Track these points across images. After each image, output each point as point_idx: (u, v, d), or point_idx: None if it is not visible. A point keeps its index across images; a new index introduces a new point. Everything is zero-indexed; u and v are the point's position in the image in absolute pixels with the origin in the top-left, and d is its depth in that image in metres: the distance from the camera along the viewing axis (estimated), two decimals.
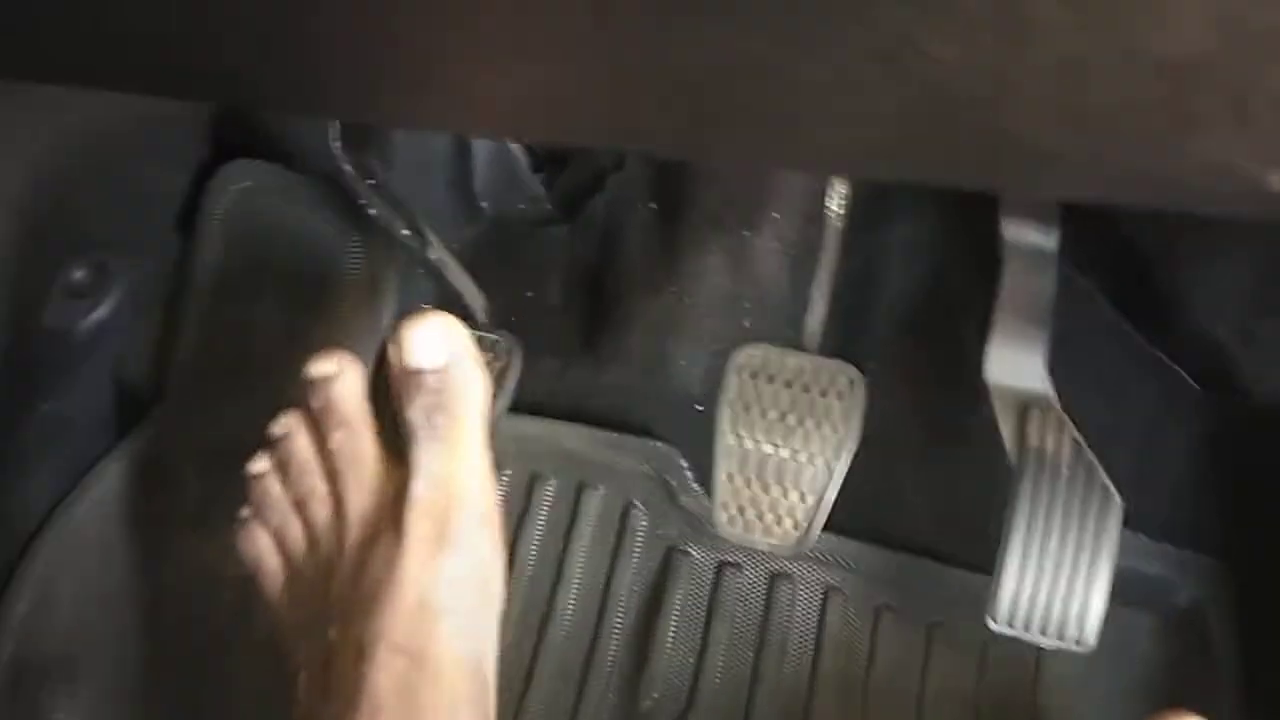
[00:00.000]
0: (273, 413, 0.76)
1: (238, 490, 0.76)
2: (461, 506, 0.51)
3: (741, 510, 0.63)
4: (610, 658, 0.71)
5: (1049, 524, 0.61)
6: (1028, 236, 0.69)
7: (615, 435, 0.77)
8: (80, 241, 0.67)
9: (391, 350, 0.53)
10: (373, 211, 0.64)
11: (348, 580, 0.50)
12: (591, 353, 0.83)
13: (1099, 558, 0.60)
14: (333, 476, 0.54)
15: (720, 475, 0.64)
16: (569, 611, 0.73)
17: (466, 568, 0.51)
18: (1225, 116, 0.29)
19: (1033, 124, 0.32)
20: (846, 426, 0.63)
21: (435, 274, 0.70)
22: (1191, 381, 0.74)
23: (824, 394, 0.64)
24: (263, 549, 0.56)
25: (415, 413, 0.52)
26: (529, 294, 0.86)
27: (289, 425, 0.56)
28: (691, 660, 0.71)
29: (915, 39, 0.29)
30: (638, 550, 0.75)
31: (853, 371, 0.64)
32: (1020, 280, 0.68)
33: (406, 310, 0.81)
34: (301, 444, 0.55)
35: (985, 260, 0.69)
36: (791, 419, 0.64)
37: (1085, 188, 0.39)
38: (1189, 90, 0.29)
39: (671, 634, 0.71)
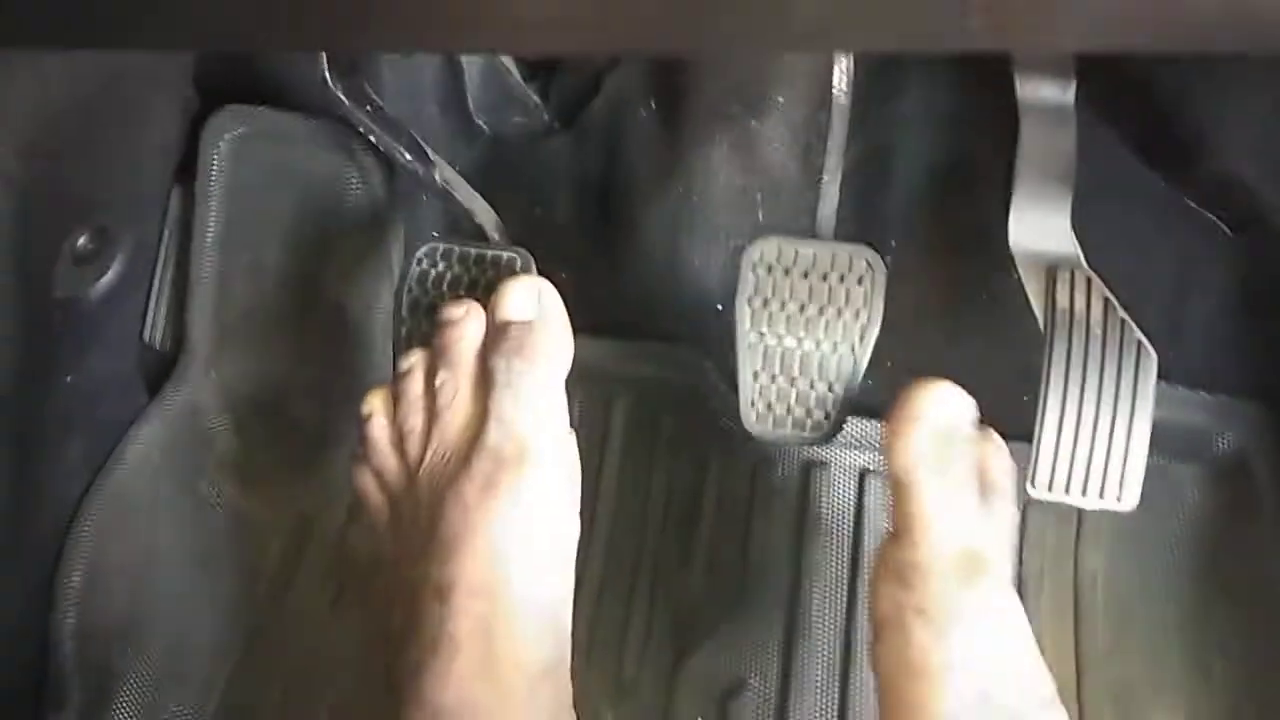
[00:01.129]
0: (295, 356, 0.77)
1: (273, 436, 0.77)
2: (531, 453, 0.52)
3: (770, 407, 0.63)
4: (653, 562, 0.72)
5: (1084, 385, 0.60)
6: (1044, 92, 0.66)
7: (637, 345, 0.77)
8: (79, 209, 0.66)
9: (489, 308, 0.56)
10: (373, 139, 0.63)
11: (430, 521, 0.51)
12: (606, 263, 0.82)
13: (1137, 415, 0.59)
14: (431, 415, 0.55)
15: (745, 374, 0.63)
16: (609, 524, 0.74)
17: (536, 512, 0.51)
18: None
19: None
20: (869, 310, 0.62)
21: (443, 196, 0.68)
22: (1221, 226, 0.72)
23: (843, 280, 0.62)
24: (368, 486, 0.57)
25: (496, 359, 0.54)
26: (537, 210, 0.84)
27: (412, 363, 0.57)
28: (735, 556, 0.72)
29: None
30: (671, 457, 0.75)
31: (870, 254, 0.63)
32: (1039, 139, 0.65)
33: (414, 238, 0.81)
34: (416, 382, 0.56)
35: (1002, 123, 0.67)
36: (812, 309, 0.62)
37: (1099, 38, 0.37)
38: None
39: (711, 533, 0.72)
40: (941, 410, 0.52)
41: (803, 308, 0.62)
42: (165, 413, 0.75)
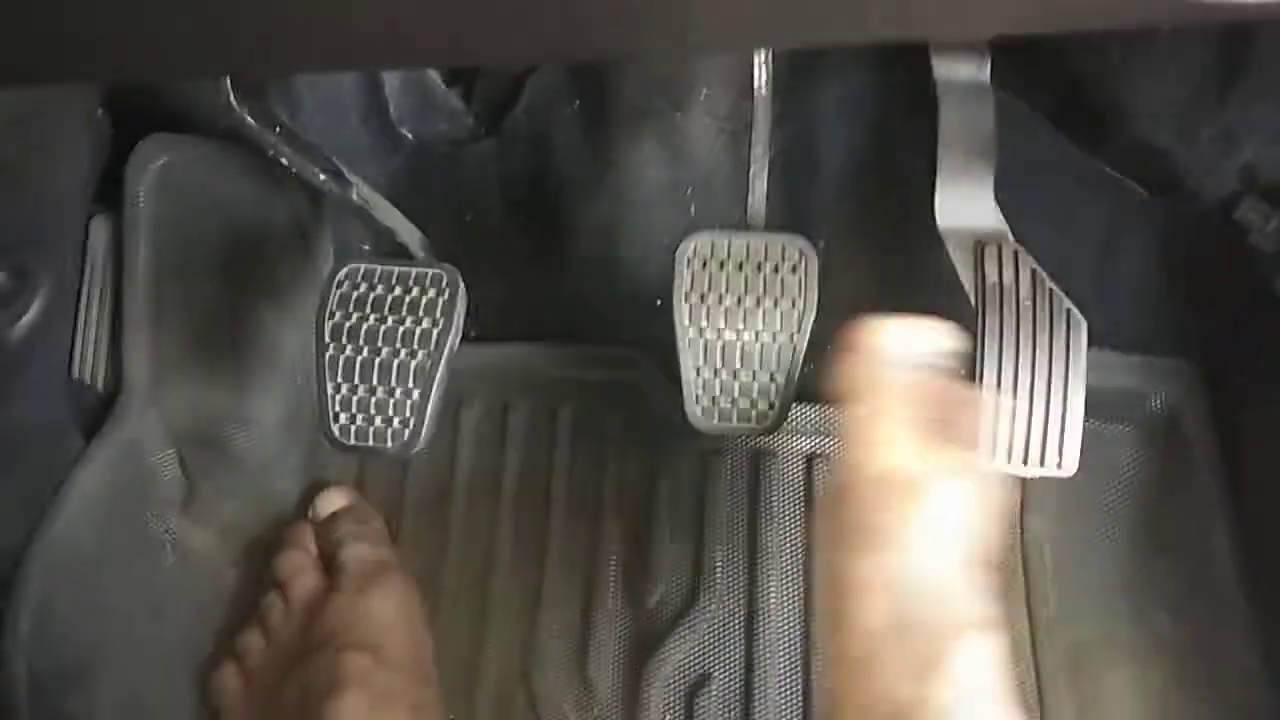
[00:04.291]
0: (234, 386, 0.76)
1: (217, 468, 0.76)
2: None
3: (714, 401, 0.63)
4: (611, 567, 0.72)
5: (1018, 356, 0.61)
6: (959, 72, 0.67)
7: (578, 348, 0.77)
8: None
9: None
10: (284, 161, 0.61)
11: None
12: (541, 268, 0.81)
13: (1071, 381, 0.61)
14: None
15: (687, 370, 0.63)
16: (563, 530, 0.74)
17: None
18: None
19: None
20: (804, 298, 0.62)
21: (363, 214, 0.67)
22: (1140, 191, 0.74)
23: (777, 270, 0.63)
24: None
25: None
26: (467, 217, 0.84)
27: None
28: (690, 550, 0.72)
29: None
30: (620, 457, 0.75)
31: (802, 242, 0.63)
32: (959, 117, 0.66)
33: (345, 259, 0.80)
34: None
35: (922, 104, 0.67)
36: (749, 301, 0.62)
37: (1012, 23, 0.37)
38: None
39: (668, 530, 0.72)
40: (866, 341, 0.52)
41: (740, 300, 0.62)
42: (107, 452, 0.73)
